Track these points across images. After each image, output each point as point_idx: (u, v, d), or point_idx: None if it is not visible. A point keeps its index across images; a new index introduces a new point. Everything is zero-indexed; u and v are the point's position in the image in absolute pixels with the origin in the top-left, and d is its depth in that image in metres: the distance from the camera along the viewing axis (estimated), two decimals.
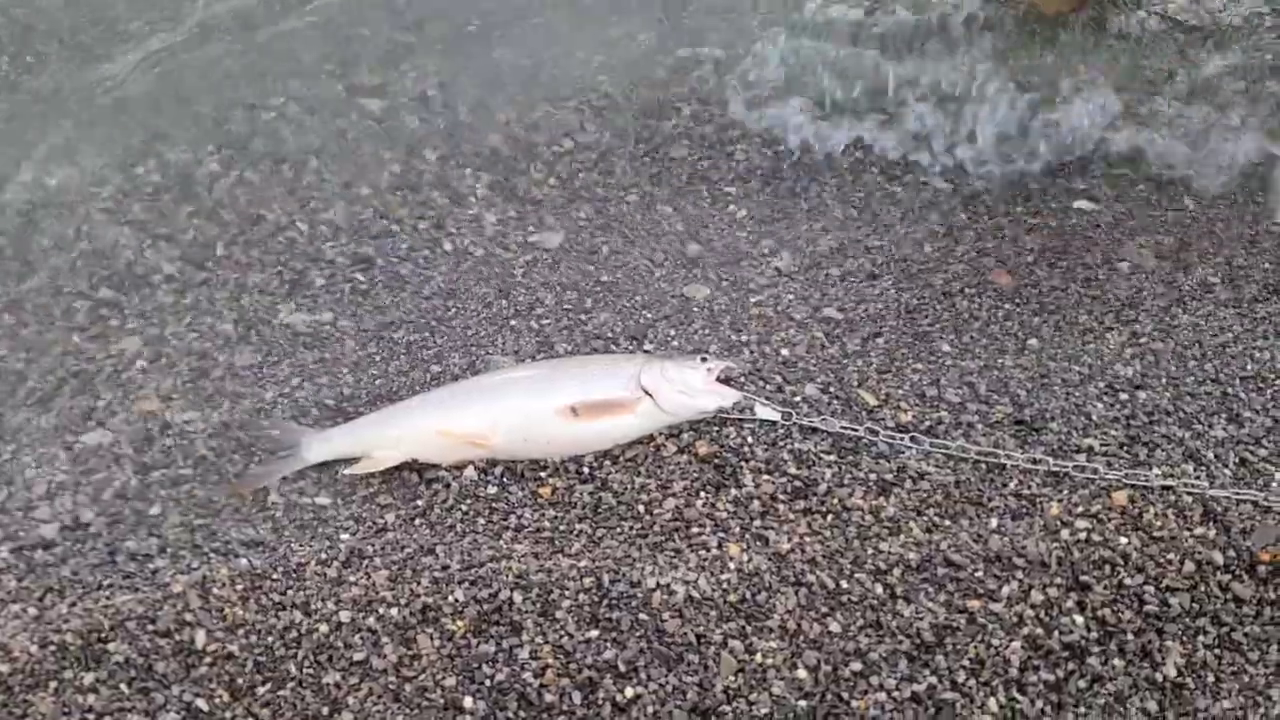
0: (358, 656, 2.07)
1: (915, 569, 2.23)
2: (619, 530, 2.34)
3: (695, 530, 2.32)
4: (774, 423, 2.58)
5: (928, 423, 2.61)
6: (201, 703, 2.00)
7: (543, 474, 2.47)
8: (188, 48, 4.28)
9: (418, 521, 2.39)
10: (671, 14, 4.44)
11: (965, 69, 3.98)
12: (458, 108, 3.96)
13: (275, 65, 4.15)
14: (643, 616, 2.13)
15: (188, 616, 2.12)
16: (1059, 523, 2.32)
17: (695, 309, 3.10)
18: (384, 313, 3.12)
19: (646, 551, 2.27)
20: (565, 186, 3.64)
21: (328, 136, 3.83)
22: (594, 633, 2.11)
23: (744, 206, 3.59)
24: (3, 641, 2.08)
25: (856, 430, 2.54)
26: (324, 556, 2.26)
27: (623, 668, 2.06)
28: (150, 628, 2.10)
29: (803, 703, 2.02)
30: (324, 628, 2.11)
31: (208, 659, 2.07)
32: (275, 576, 2.21)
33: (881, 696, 2.04)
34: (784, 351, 2.89)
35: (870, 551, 2.26)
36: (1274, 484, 2.44)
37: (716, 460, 2.48)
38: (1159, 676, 2.09)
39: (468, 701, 2.02)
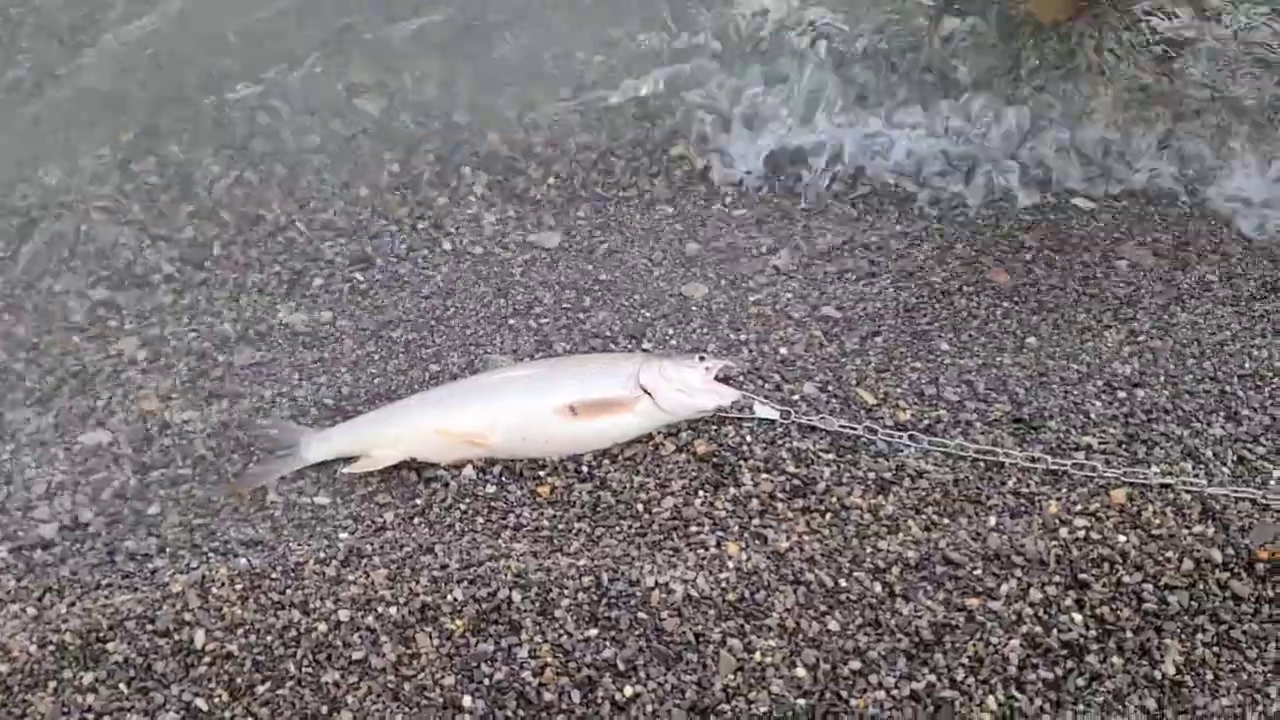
0: (357, 655, 2.07)
1: (914, 567, 2.23)
2: (618, 529, 2.34)
3: (694, 529, 2.32)
4: (773, 421, 2.58)
5: (926, 421, 2.61)
6: (201, 702, 2.00)
7: (541, 473, 2.47)
8: (185, 46, 4.28)
9: (416, 520, 2.39)
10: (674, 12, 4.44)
11: (963, 78, 3.99)
12: (456, 107, 3.96)
13: (273, 64, 4.16)
14: (641, 615, 2.13)
15: (187, 616, 2.12)
16: (1057, 521, 2.32)
17: (694, 308, 3.10)
18: (382, 312, 3.12)
19: (645, 550, 2.27)
20: (564, 186, 3.65)
21: (326, 136, 3.83)
22: (593, 631, 2.11)
23: (742, 205, 3.59)
24: (2, 641, 2.08)
25: (855, 429, 2.54)
26: (323, 555, 2.26)
27: (622, 666, 2.06)
28: (149, 627, 2.11)
29: (802, 701, 2.02)
30: (323, 627, 2.11)
31: (207, 658, 2.07)
32: (274, 576, 2.21)
33: (880, 695, 2.04)
34: (782, 350, 2.89)
35: (869, 550, 2.26)
36: (1272, 482, 2.44)
37: (715, 459, 2.48)
38: (1158, 674, 2.09)
39: (467, 700, 2.02)
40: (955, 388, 2.74)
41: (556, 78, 4.12)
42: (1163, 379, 2.78)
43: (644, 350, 2.89)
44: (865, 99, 3.96)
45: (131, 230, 3.39)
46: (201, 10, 4.41)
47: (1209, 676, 2.09)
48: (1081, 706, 2.04)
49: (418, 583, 2.18)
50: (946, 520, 2.35)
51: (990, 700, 2.04)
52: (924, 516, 2.35)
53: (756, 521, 2.33)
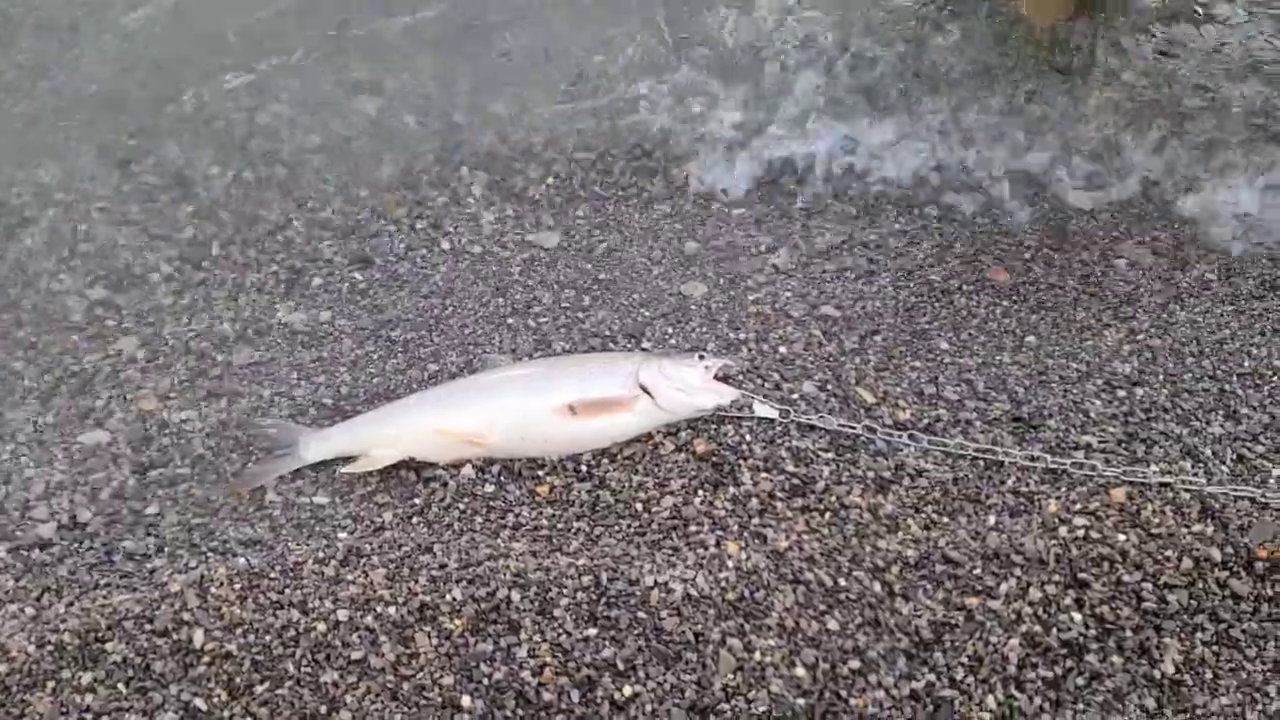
0: (355, 655, 2.07)
1: (913, 566, 2.23)
2: (617, 528, 2.34)
3: (693, 528, 2.31)
4: (772, 420, 2.58)
5: (926, 420, 2.61)
6: (200, 702, 2.00)
7: (540, 472, 2.47)
8: (182, 44, 4.28)
9: (415, 520, 2.39)
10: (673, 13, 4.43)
11: (959, 81, 3.98)
12: (455, 107, 3.96)
13: (271, 62, 4.15)
14: (641, 615, 2.12)
15: (185, 616, 2.12)
16: (1057, 520, 2.32)
17: (693, 307, 3.09)
18: (381, 311, 3.12)
19: (644, 550, 2.27)
20: (562, 185, 3.64)
21: (325, 136, 3.83)
22: (592, 631, 2.11)
23: (741, 204, 3.59)
24: (0, 641, 2.08)
25: (854, 428, 2.54)
26: (322, 555, 2.25)
27: (621, 666, 2.06)
28: (148, 627, 2.10)
29: (801, 700, 2.02)
30: (322, 626, 2.11)
31: (206, 658, 2.06)
32: (273, 575, 2.21)
33: (880, 694, 2.04)
34: (782, 349, 2.89)
35: (868, 549, 2.26)
36: (1271, 480, 2.43)
37: (714, 458, 2.48)
38: (1157, 673, 2.08)
39: (466, 700, 2.02)
40: (955, 386, 2.73)
41: (555, 77, 4.12)
42: (1162, 377, 2.77)
43: (643, 349, 2.89)
44: (859, 103, 3.96)
45: (130, 230, 3.38)
46: (200, 9, 4.40)
47: (1208, 675, 2.09)
48: (1081, 705, 2.04)
49: (416, 582, 2.18)
50: (946, 519, 2.35)
51: (990, 699, 2.04)
52: (923, 515, 2.35)
53: (756, 521, 2.33)
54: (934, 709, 2.02)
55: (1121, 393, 2.72)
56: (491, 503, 2.41)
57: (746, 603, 2.16)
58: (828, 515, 2.34)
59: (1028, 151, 3.76)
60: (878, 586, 2.19)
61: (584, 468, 2.47)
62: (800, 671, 2.06)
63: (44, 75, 4.14)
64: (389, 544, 2.29)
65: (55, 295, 3.16)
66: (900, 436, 2.52)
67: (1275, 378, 2.77)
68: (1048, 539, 2.27)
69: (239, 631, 2.10)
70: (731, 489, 2.40)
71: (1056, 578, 2.20)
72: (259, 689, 2.03)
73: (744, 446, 2.50)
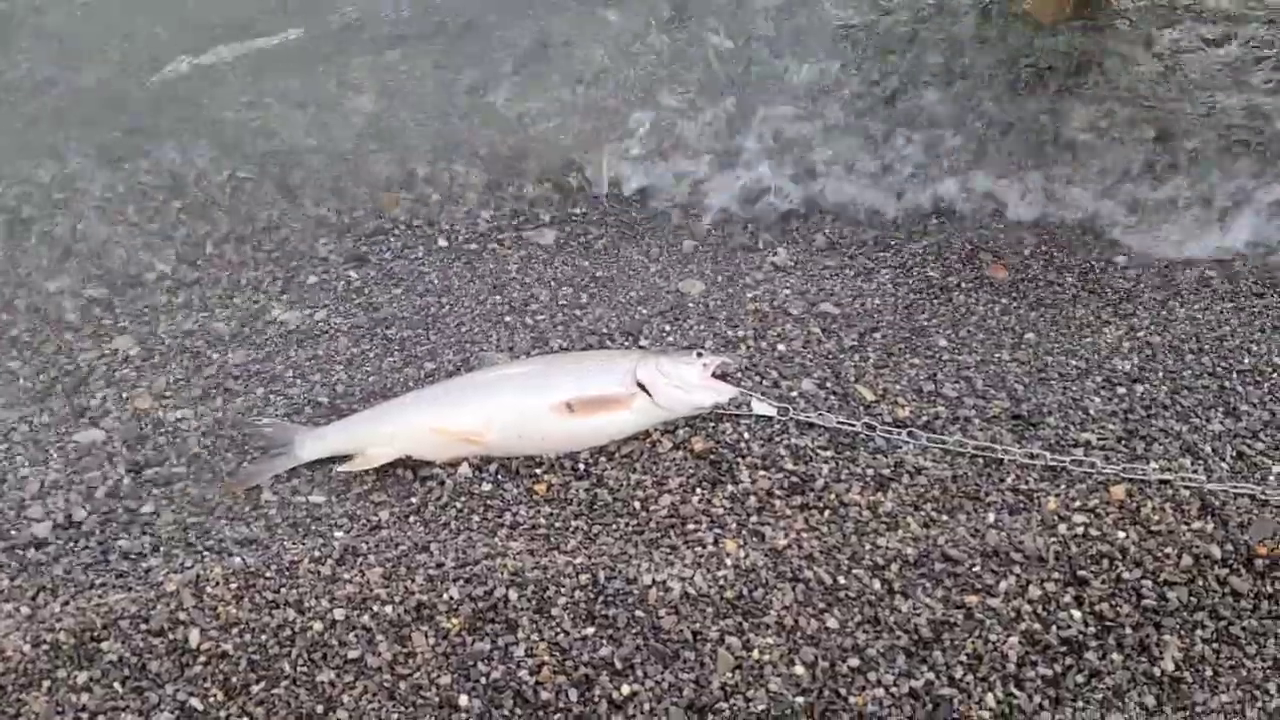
0: (352, 654, 2.06)
1: (913, 564, 2.22)
2: (615, 527, 2.33)
3: (691, 526, 2.31)
4: (770, 418, 2.57)
5: (925, 418, 2.60)
6: (196, 701, 1.99)
7: (538, 471, 2.46)
8: (180, 41, 4.27)
9: (412, 519, 2.38)
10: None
11: (962, 81, 3.98)
12: (452, 105, 3.96)
13: (269, 63, 4.15)
14: (639, 613, 2.12)
15: (181, 615, 2.11)
16: (1056, 517, 2.32)
17: (691, 304, 3.09)
18: (377, 310, 3.11)
19: (642, 548, 2.26)
20: (561, 184, 3.64)
21: (321, 134, 3.82)
22: (590, 630, 2.10)
23: (740, 206, 3.58)
24: None
25: (853, 425, 2.53)
26: (318, 554, 2.25)
27: (619, 665, 2.05)
28: (144, 626, 2.09)
29: (800, 699, 2.01)
30: (318, 626, 2.10)
31: (201, 658, 2.06)
32: (269, 574, 2.20)
33: (879, 692, 2.03)
34: (780, 347, 2.88)
35: (867, 547, 2.25)
36: (1271, 477, 2.43)
37: (713, 456, 2.47)
38: (1157, 671, 2.08)
39: (463, 699, 2.01)
40: (954, 384, 2.73)
41: (553, 76, 4.12)
42: (1161, 374, 2.77)
43: (641, 347, 2.88)
44: (861, 101, 3.96)
45: (125, 229, 3.37)
46: (199, 8, 4.40)
47: (1208, 673, 2.09)
48: (1080, 703, 2.03)
49: (413, 581, 2.17)
50: (945, 517, 2.34)
51: (989, 698, 2.03)
52: (923, 513, 2.35)
53: (754, 519, 2.32)
54: (933, 707, 2.01)
55: (1121, 390, 2.71)
56: (489, 501, 2.40)
57: (745, 601, 2.15)
58: (827, 513, 2.34)
59: (1028, 151, 3.76)
60: (877, 584, 2.19)
61: (582, 466, 2.47)
62: (799, 670, 2.05)
63: (41, 76, 4.13)
64: (385, 543, 2.29)
65: (50, 294, 3.15)
66: (899, 434, 2.52)
67: (1275, 374, 2.77)
68: (1047, 536, 2.27)
69: (235, 631, 2.10)
70: (730, 487, 2.39)
71: (1056, 575, 2.20)
72: (255, 688, 2.02)
73: (742, 444, 2.50)
